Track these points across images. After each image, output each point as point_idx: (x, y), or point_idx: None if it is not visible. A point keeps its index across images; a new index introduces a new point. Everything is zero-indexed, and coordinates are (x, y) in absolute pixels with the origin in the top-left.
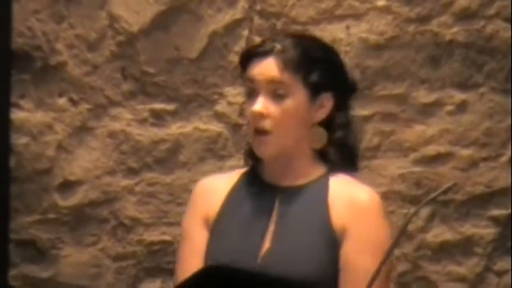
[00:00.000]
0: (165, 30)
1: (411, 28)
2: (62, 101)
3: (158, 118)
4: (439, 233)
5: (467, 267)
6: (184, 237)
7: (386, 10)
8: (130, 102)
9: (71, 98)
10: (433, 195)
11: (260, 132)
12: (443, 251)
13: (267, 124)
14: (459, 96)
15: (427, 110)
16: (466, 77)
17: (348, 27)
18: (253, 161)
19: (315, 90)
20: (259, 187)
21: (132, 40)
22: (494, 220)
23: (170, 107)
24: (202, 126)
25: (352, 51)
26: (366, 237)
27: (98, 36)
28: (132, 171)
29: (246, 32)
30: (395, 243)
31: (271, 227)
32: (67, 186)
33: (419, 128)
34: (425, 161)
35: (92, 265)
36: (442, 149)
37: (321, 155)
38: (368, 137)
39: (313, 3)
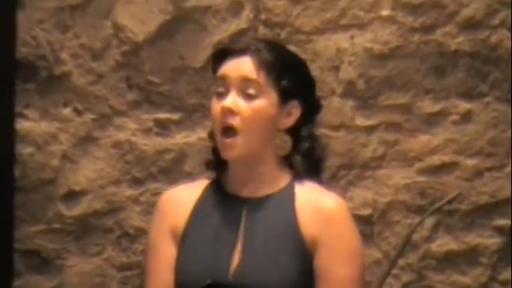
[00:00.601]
0: (169, 39)
1: (416, 38)
2: (67, 111)
3: (163, 128)
4: (443, 243)
5: (472, 277)
6: (151, 251)
7: (390, 20)
8: (135, 111)
9: (76, 107)
10: (437, 205)
11: (228, 131)
12: (448, 260)
13: (235, 121)
14: (464, 105)
15: (432, 120)
16: (470, 87)
17: (352, 37)
18: (216, 171)
19: (284, 96)
20: (225, 199)
21: (136, 49)
22: (499, 230)
23: (175, 116)
24: (206, 136)
25: (356, 60)
26: (338, 245)
27: (103, 46)
28: (136, 181)
29: None
30: (400, 253)
31: (240, 241)
32: (72, 196)
33: (424, 137)
34: (430, 171)
35: (96, 275)
36: (446, 158)
37: (286, 163)
38: (373, 146)
39: (317, 12)
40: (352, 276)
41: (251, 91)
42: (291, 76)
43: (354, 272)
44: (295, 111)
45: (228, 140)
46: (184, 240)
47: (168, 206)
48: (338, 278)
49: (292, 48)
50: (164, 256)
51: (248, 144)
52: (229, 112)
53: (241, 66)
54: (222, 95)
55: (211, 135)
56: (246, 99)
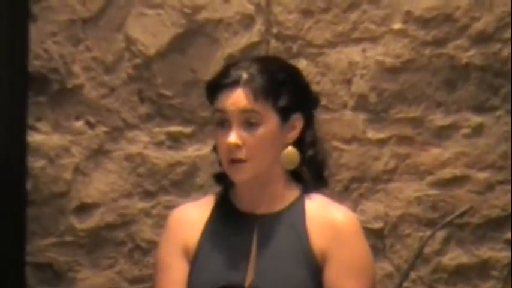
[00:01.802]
0: (181, 53)
1: (427, 51)
2: (79, 124)
3: (175, 141)
4: (455, 256)
5: None
6: (162, 268)
7: (402, 33)
8: (147, 124)
9: (88, 120)
10: (449, 218)
11: (236, 161)
12: (459, 274)
13: (242, 154)
14: (475, 119)
15: (443, 133)
16: (482, 100)
17: (364, 50)
18: (225, 184)
19: (285, 114)
20: (236, 217)
21: (148, 63)
22: (510, 243)
23: (187, 129)
24: (212, 149)
25: (368, 74)
26: (347, 260)
27: (115, 59)
28: (148, 194)
29: None
30: (411, 266)
31: (252, 260)
32: (84, 209)
33: (435, 151)
34: (441, 184)
35: None
36: (458, 172)
37: (293, 175)
38: (384, 160)
39: (329, 26)
40: None
41: (252, 120)
42: (287, 92)
43: (361, 287)
44: (298, 123)
45: (236, 165)
46: (197, 259)
47: (178, 224)
48: None
49: (303, 61)
50: (175, 273)
51: (256, 167)
52: (235, 147)
53: (238, 99)
54: (223, 125)
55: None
56: (248, 128)
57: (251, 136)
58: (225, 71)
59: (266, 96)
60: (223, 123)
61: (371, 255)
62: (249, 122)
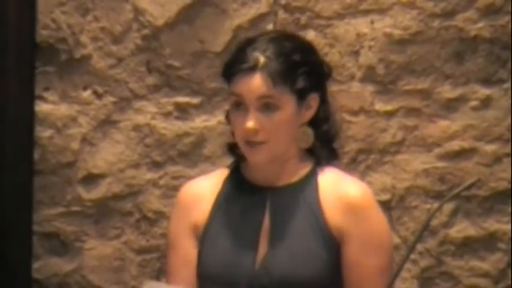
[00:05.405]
0: (190, 23)
1: (436, 23)
2: (87, 94)
3: (182, 111)
4: (462, 229)
5: (491, 262)
6: (172, 247)
7: (411, 5)
8: (155, 95)
9: (96, 90)
10: (456, 190)
11: (253, 143)
12: (466, 246)
13: (260, 137)
14: (483, 91)
15: (451, 105)
16: (490, 73)
17: (372, 22)
18: (237, 154)
19: (302, 95)
20: (247, 190)
21: (157, 33)
22: None
23: (194, 100)
24: (224, 118)
25: (376, 46)
26: (366, 235)
27: (123, 29)
28: (156, 165)
29: (270, 26)
30: (418, 238)
31: (265, 232)
32: (91, 179)
33: (443, 123)
34: (449, 157)
35: (115, 258)
36: (465, 144)
37: (307, 150)
38: (392, 132)
39: None
40: (382, 265)
41: (270, 105)
42: (304, 73)
43: (383, 261)
44: (314, 103)
45: (254, 147)
46: (207, 233)
47: (188, 200)
48: (367, 267)
49: (311, 33)
50: (185, 253)
51: (273, 149)
52: (253, 132)
53: (255, 86)
54: (239, 106)
55: (229, 119)
56: (265, 112)
57: (269, 120)
58: (241, 53)
59: (284, 81)
60: (238, 105)
61: (388, 226)
62: (267, 107)
